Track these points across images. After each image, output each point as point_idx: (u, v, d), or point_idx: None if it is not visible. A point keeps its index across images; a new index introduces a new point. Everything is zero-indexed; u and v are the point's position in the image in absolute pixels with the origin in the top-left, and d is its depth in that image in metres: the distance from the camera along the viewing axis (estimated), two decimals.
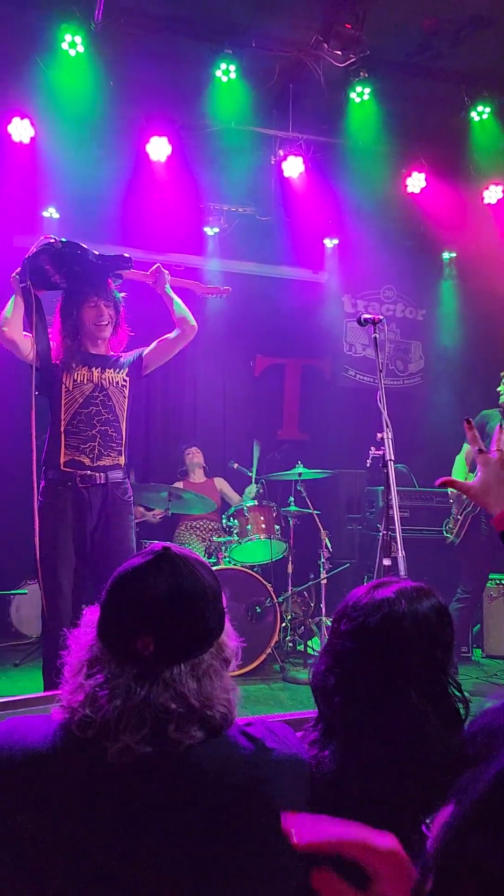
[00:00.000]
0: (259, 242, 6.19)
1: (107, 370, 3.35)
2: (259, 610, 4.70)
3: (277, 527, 5.00)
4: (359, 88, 5.03)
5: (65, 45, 4.65)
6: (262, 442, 5.84)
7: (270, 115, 5.41)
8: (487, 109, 5.29)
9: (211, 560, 4.96)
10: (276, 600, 4.71)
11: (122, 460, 3.35)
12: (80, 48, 4.67)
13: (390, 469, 2.59)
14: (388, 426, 2.70)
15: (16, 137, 5.04)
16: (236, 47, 4.88)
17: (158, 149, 5.22)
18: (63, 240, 3.18)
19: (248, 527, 4.93)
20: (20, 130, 5.03)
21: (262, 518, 4.96)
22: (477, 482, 1.27)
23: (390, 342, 6.78)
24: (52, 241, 3.16)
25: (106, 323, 3.33)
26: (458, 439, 5.69)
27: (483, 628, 5.28)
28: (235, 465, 5.53)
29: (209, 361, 6.58)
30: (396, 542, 2.40)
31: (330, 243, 6.45)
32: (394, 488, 2.56)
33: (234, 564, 4.84)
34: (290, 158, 5.40)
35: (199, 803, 1.08)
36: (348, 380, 6.86)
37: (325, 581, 4.94)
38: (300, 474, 5.07)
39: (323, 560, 5.06)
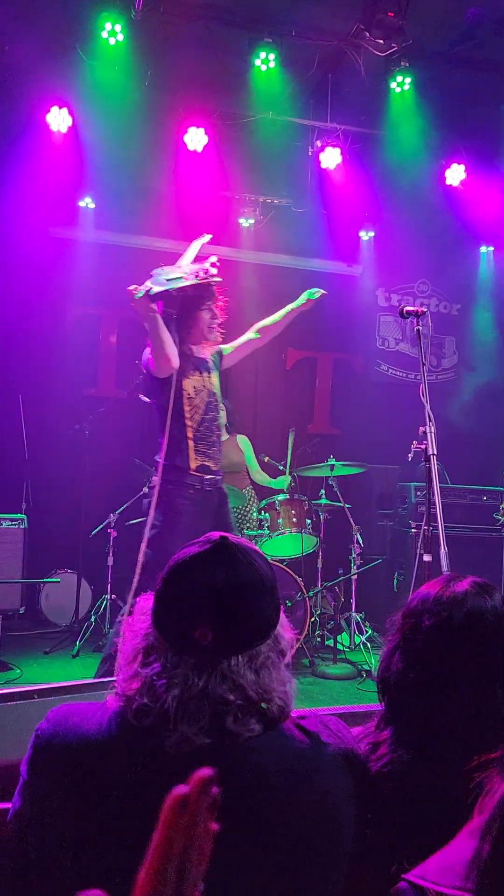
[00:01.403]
0: (294, 234, 6.15)
1: (211, 374, 3.46)
2: (289, 604, 4.68)
3: (308, 521, 4.97)
4: (399, 78, 4.97)
5: (104, 34, 4.65)
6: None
7: (309, 105, 5.37)
8: None
9: None
10: (306, 595, 4.69)
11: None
12: (120, 37, 4.66)
13: (433, 464, 2.55)
14: (430, 420, 2.66)
15: (54, 127, 5.06)
16: (276, 36, 4.84)
17: (195, 139, 5.20)
18: (214, 273, 3.27)
19: (280, 520, 4.91)
20: (58, 119, 5.04)
21: (293, 512, 4.94)
22: None
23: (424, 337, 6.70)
24: (209, 280, 3.28)
25: (216, 326, 3.42)
26: (490, 435, 5.63)
27: None
28: (266, 459, 5.51)
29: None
30: (439, 538, 2.36)
31: (366, 236, 6.39)
32: (436, 483, 2.52)
33: None
34: (328, 149, 5.36)
35: (256, 797, 1.06)
36: (380, 374, 6.79)
37: (355, 576, 4.90)
38: (332, 468, 5.03)
39: (354, 555, 5.02)
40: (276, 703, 1.10)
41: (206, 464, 3.36)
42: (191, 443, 3.32)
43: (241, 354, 3.72)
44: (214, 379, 3.46)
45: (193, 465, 3.32)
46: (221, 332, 3.50)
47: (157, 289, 3.12)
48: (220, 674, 1.08)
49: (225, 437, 5.70)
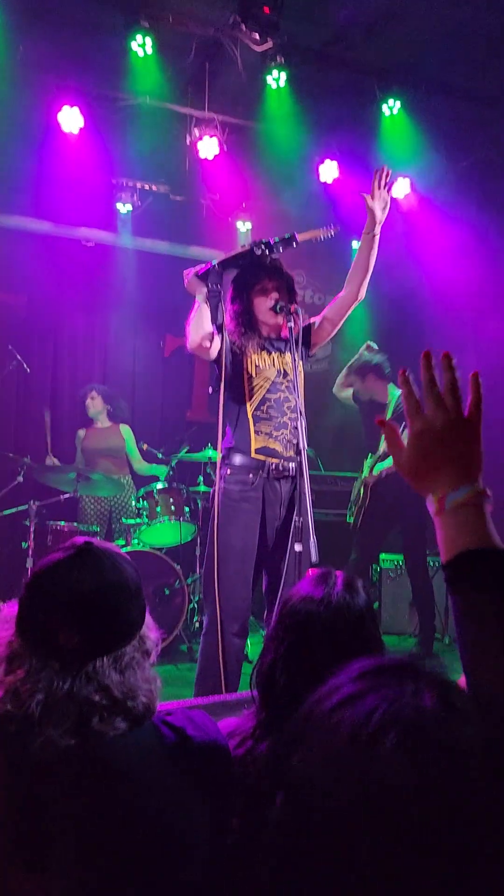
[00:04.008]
0: (172, 222, 6.13)
1: (285, 353, 3.17)
2: (167, 592, 4.72)
3: (187, 508, 5.02)
4: (275, 73, 5.02)
5: None
6: (170, 423, 5.80)
7: (187, 93, 5.34)
8: (398, 104, 5.41)
9: (120, 542, 4.94)
10: (184, 582, 4.74)
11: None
12: None
13: (303, 457, 2.66)
14: (301, 415, 2.77)
15: None
16: (152, 20, 4.76)
17: (70, 119, 5.05)
18: (264, 245, 3.06)
19: (158, 508, 4.93)
20: None
21: (171, 500, 4.97)
22: (408, 447, 1.01)
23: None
24: (255, 249, 3.06)
25: (275, 306, 3.12)
26: (358, 423, 5.89)
27: (381, 606, 5.52)
28: (145, 447, 5.51)
29: (119, 340, 6.50)
30: (309, 529, 2.47)
31: (243, 226, 6.45)
32: (306, 476, 2.63)
33: (143, 546, 4.83)
34: (206, 139, 5.35)
35: (123, 793, 1.10)
36: None
37: None
38: (210, 457, 5.10)
39: None
40: (141, 701, 1.15)
41: (272, 446, 3.07)
42: (251, 424, 3.08)
43: (337, 317, 3.33)
44: (288, 358, 3.14)
45: (254, 446, 3.06)
46: (294, 308, 3.11)
47: (203, 267, 3.08)
48: (86, 676, 1.11)
49: (106, 424, 5.66)
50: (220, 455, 3.12)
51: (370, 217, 3.11)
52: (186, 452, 5.30)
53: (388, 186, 3.09)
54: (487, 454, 0.97)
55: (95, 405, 5.58)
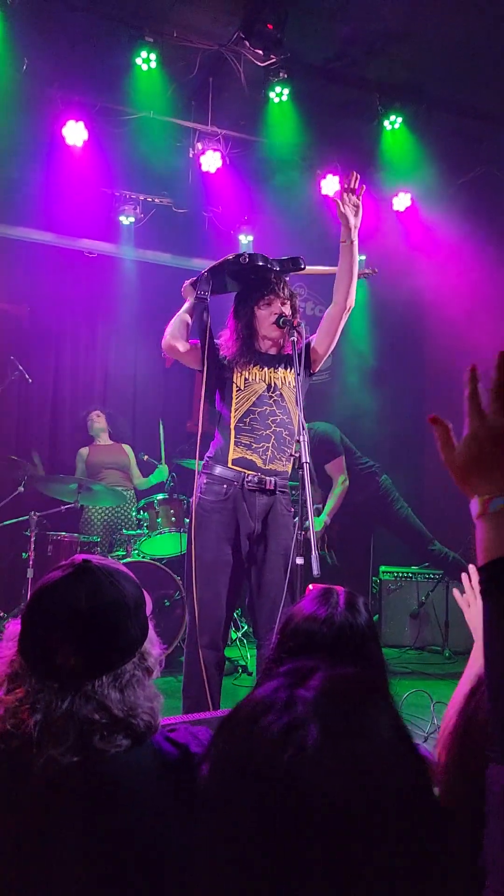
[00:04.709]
0: (175, 234, 6.17)
1: (278, 369, 3.18)
2: (167, 603, 4.72)
3: (187, 520, 5.01)
4: (277, 89, 5.06)
5: None
6: (170, 432, 5.81)
7: (190, 107, 5.38)
8: (399, 119, 5.45)
9: (120, 552, 4.94)
10: (184, 593, 4.73)
11: (289, 467, 3.15)
12: None
13: (305, 472, 2.66)
14: (304, 429, 2.77)
15: None
16: (157, 35, 4.81)
17: (75, 133, 5.09)
18: (249, 254, 3.12)
19: (159, 520, 4.94)
20: None
21: (172, 511, 4.98)
22: (462, 445, 0.99)
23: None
24: (241, 257, 3.11)
25: (278, 320, 3.12)
26: (364, 435, 5.90)
27: (381, 619, 5.52)
28: (146, 458, 5.53)
29: (120, 350, 6.52)
30: (311, 543, 2.47)
31: (245, 239, 6.49)
32: (308, 491, 2.64)
33: (143, 557, 4.83)
34: (209, 153, 5.39)
35: (125, 810, 1.11)
36: None
37: None
38: None
39: None
40: (142, 719, 1.14)
41: (250, 458, 3.05)
42: (232, 434, 3.07)
43: (331, 331, 3.26)
44: (283, 374, 3.16)
45: (232, 456, 3.06)
46: (296, 322, 3.10)
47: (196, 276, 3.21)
48: (84, 695, 1.11)
49: (108, 442, 5.71)
50: (200, 465, 3.14)
51: (344, 224, 3.09)
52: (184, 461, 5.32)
53: (357, 192, 3.08)
54: None
55: (101, 423, 5.68)
